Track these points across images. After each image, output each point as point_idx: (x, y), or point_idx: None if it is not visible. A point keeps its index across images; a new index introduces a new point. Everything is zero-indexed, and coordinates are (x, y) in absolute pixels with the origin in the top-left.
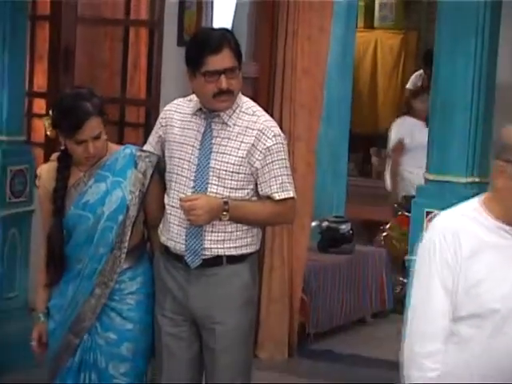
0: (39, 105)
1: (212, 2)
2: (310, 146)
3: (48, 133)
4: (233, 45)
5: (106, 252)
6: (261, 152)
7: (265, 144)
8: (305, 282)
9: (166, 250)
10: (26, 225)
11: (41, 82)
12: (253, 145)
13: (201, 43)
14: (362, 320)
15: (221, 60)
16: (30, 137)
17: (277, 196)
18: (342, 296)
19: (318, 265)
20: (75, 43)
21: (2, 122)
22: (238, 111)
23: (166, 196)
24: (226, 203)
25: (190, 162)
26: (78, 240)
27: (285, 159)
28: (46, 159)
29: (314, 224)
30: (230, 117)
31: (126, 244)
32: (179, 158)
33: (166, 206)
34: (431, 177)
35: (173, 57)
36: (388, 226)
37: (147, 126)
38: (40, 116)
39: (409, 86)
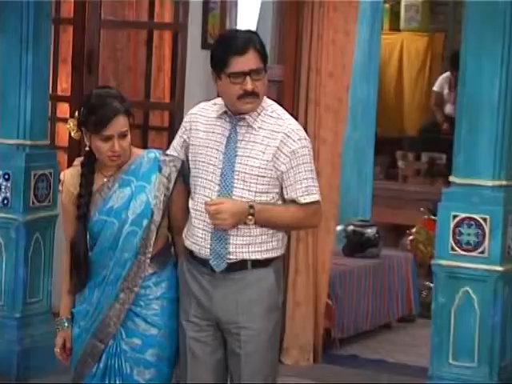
0: (63, 109)
1: (236, 4)
2: (336, 149)
3: (72, 134)
4: (258, 46)
5: (131, 257)
6: (286, 155)
7: (290, 147)
8: (330, 287)
9: (191, 254)
10: (49, 229)
11: (64, 85)
12: (278, 148)
13: (226, 44)
14: (388, 325)
15: (246, 61)
16: (53, 141)
17: (302, 200)
18: (368, 301)
19: (343, 269)
20: (99, 46)
21: (26, 125)
22: (263, 114)
23: (190, 200)
24: (251, 207)
25: (214, 165)
26: (103, 245)
27: (310, 163)
28: (70, 163)
29: (339, 228)
30: (255, 120)
31: (151, 249)
32: (204, 162)
33: (191, 210)
34: (457, 180)
35: (197, 60)
36: (414, 229)
37: (171, 130)
38: (64, 120)
39: (435, 88)
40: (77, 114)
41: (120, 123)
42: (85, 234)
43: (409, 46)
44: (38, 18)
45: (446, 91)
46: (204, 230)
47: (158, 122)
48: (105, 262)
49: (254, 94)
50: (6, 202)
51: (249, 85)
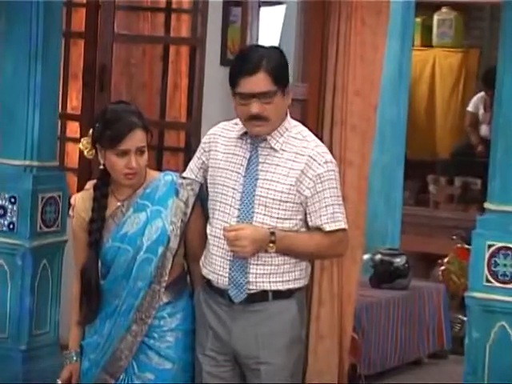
0: (73, 128)
1: (258, 18)
2: (363, 173)
3: (85, 153)
4: (271, 67)
5: (145, 286)
6: (311, 179)
7: (315, 171)
8: (356, 320)
9: (208, 283)
10: (57, 256)
11: (74, 103)
12: (302, 172)
13: (238, 62)
14: (418, 361)
15: (254, 83)
16: (62, 162)
17: (327, 227)
18: (397, 335)
19: (370, 301)
20: (111, 62)
21: (34, 146)
22: (286, 136)
23: (208, 225)
24: (272, 234)
25: (234, 189)
26: (116, 274)
27: (336, 188)
28: (80, 186)
29: (366, 257)
30: (277, 141)
31: (166, 278)
32: (223, 185)
33: (209, 236)
34: (493, 206)
35: (216, 77)
36: (446, 259)
37: (187, 151)
38: (74, 140)
39: (470, 108)
40: (91, 131)
41: (138, 138)
42: (96, 261)
43: (441, 63)
44: (48, 31)
45: (481, 112)
46: (222, 257)
47: (174, 142)
48: (117, 292)
49: (261, 118)
50: (11, 226)
51: (254, 108)
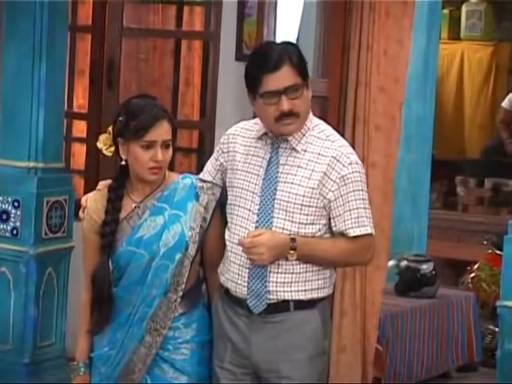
0: (79, 127)
1: (275, 11)
2: (387, 174)
3: (104, 150)
4: (295, 59)
5: (160, 294)
6: (334, 182)
7: (339, 173)
8: (380, 330)
9: (226, 292)
10: (63, 263)
11: (81, 100)
12: (325, 173)
13: (257, 61)
14: (447, 375)
15: (280, 78)
16: (68, 164)
17: (351, 232)
18: (423, 346)
19: (395, 310)
20: (120, 57)
21: (38, 146)
22: (308, 135)
23: (226, 231)
24: (293, 240)
25: (253, 193)
26: (130, 280)
27: (362, 190)
28: (88, 188)
29: (391, 263)
30: (298, 142)
31: (183, 286)
32: (242, 189)
33: (227, 243)
34: None
35: (230, 72)
36: (476, 266)
37: (200, 152)
38: (80, 140)
39: (504, 104)
40: (111, 127)
41: (164, 129)
42: (109, 266)
43: (470, 57)
44: (53, 26)
45: None
46: (241, 265)
47: (186, 142)
48: (130, 299)
49: (292, 115)
50: (15, 232)
51: (285, 105)
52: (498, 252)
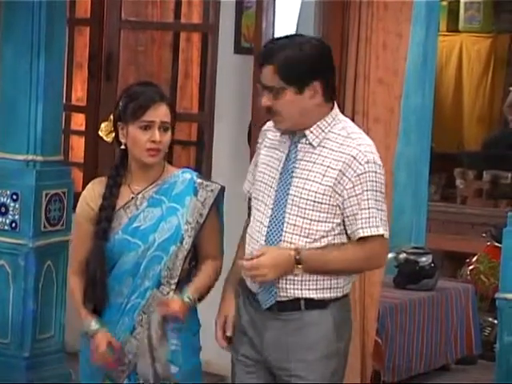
0: (78, 120)
1: (274, 3)
2: (387, 167)
3: (104, 137)
4: (279, 63)
5: (152, 286)
6: (350, 180)
7: (355, 171)
8: (379, 323)
9: (246, 285)
10: (63, 256)
11: (80, 93)
12: (341, 171)
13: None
14: (446, 367)
15: (263, 75)
16: (67, 156)
17: (361, 232)
18: (422, 339)
19: (394, 303)
20: (119, 50)
21: (37, 139)
22: (327, 131)
23: (249, 225)
24: (297, 252)
25: (271, 187)
26: (123, 269)
27: (376, 191)
28: (86, 181)
29: (389, 256)
30: (316, 137)
31: (177, 280)
32: (261, 182)
33: (247, 235)
34: None
35: (229, 65)
36: (475, 258)
37: (200, 145)
38: (79, 133)
39: None
40: (112, 116)
41: (162, 111)
42: (103, 252)
43: (469, 49)
44: (51, 19)
45: None
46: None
47: (185, 135)
48: (121, 290)
49: (273, 112)
50: (13, 225)
51: (263, 99)
52: (496, 244)
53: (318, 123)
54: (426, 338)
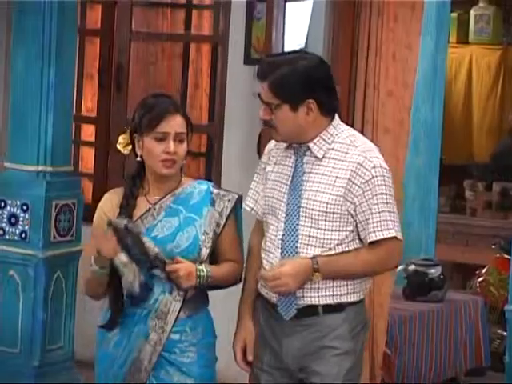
0: (88, 131)
1: (284, 14)
2: (397, 178)
3: (121, 149)
4: (272, 81)
5: (165, 291)
6: (359, 187)
7: (363, 177)
8: (388, 334)
9: (263, 296)
10: (72, 267)
11: (90, 104)
12: (349, 180)
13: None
14: (455, 379)
15: (261, 89)
16: (77, 167)
17: (373, 236)
18: (432, 351)
19: (403, 314)
20: (129, 61)
21: (47, 150)
22: (330, 142)
23: (264, 240)
24: (315, 262)
25: (282, 201)
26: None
27: (386, 194)
28: (96, 192)
29: (399, 267)
30: (320, 148)
31: (192, 288)
32: (272, 198)
33: (262, 250)
34: None
35: (239, 76)
36: (484, 270)
37: (209, 156)
38: (89, 144)
39: None
40: (129, 129)
41: (177, 122)
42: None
43: (479, 61)
44: (62, 29)
45: None
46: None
47: (195, 146)
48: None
49: (269, 124)
50: (23, 235)
51: (260, 112)
52: (506, 256)
53: (321, 135)
54: (436, 350)
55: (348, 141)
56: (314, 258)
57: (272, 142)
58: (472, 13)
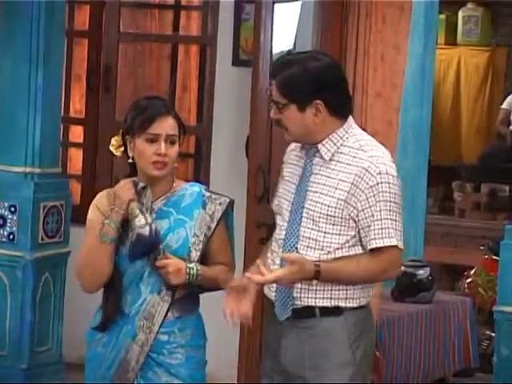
0: (76, 132)
1: (272, 16)
2: None
3: (114, 151)
4: (280, 80)
5: (153, 291)
6: (363, 192)
7: (368, 183)
8: (377, 336)
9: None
10: (60, 269)
11: (78, 106)
12: (353, 184)
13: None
14: (443, 380)
15: (272, 88)
16: (65, 169)
17: (374, 243)
18: (420, 352)
19: (392, 315)
20: (117, 62)
21: (35, 151)
22: (339, 145)
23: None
24: (317, 269)
25: (288, 201)
26: (130, 279)
27: (390, 201)
28: (84, 193)
29: None
30: (328, 150)
31: (179, 289)
32: (281, 197)
33: (269, 250)
34: None
35: (227, 78)
36: (473, 271)
37: (198, 157)
38: (77, 145)
39: (504, 106)
40: (121, 131)
41: (169, 124)
42: (116, 265)
43: (467, 63)
44: (50, 31)
45: None
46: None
47: (183, 147)
48: (126, 298)
49: (279, 124)
50: (11, 237)
51: (271, 112)
52: (494, 257)
53: (330, 137)
54: (424, 351)
55: (357, 145)
56: (317, 264)
57: (293, 143)
58: (460, 14)
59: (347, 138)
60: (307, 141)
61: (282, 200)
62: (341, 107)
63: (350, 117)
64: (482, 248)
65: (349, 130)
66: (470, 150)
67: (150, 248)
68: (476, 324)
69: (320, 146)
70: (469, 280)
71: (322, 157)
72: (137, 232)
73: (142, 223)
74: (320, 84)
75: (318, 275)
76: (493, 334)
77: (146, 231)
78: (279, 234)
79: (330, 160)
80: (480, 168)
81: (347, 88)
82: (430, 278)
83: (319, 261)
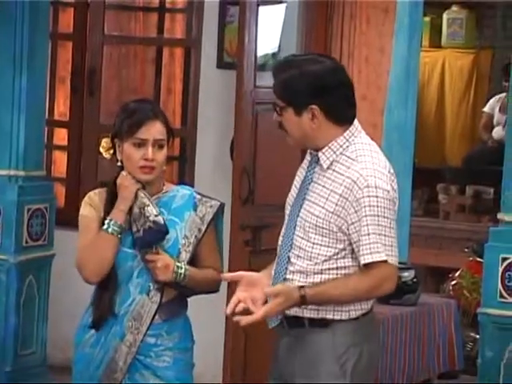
0: (60, 135)
1: (257, 18)
2: None
3: (104, 153)
4: (279, 82)
5: (142, 292)
6: (351, 205)
7: (355, 196)
8: None
9: None
10: (44, 272)
11: (62, 108)
12: (342, 196)
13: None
14: (428, 382)
15: (274, 91)
16: (50, 172)
17: (363, 259)
18: (405, 354)
19: (376, 318)
20: (101, 65)
21: (19, 154)
22: (338, 153)
23: None
24: (302, 296)
25: (291, 206)
26: (121, 279)
27: (378, 215)
28: (69, 196)
29: None
30: (327, 158)
31: (169, 290)
32: (288, 203)
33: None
34: (507, 217)
35: (212, 80)
36: (457, 273)
37: (182, 160)
38: (61, 148)
39: (486, 109)
40: (111, 134)
41: (157, 129)
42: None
43: (451, 65)
44: (34, 33)
45: (496, 112)
46: (273, 278)
47: (168, 150)
48: (120, 298)
49: (281, 128)
50: None
51: (274, 115)
52: (479, 259)
53: (330, 144)
54: (409, 353)
55: (354, 155)
56: (302, 290)
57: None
58: (445, 17)
59: (347, 146)
60: (308, 146)
61: (287, 205)
62: (340, 113)
63: (357, 124)
64: (466, 250)
65: (350, 138)
66: (455, 153)
67: (162, 237)
68: (460, 326)
69: (320, 153)
70: (453, 282)
71: (320, 165)
72: (153, 220)
73: (156, 211)
74: (317, 88)
75: (304, 300)
76: (477, 336)
77: (161, 219)
78: (279, 239)
79: (328, 169)
80: (464, 170)
81: (350, 93)
82: (414, 280)
83: (304, 286)
